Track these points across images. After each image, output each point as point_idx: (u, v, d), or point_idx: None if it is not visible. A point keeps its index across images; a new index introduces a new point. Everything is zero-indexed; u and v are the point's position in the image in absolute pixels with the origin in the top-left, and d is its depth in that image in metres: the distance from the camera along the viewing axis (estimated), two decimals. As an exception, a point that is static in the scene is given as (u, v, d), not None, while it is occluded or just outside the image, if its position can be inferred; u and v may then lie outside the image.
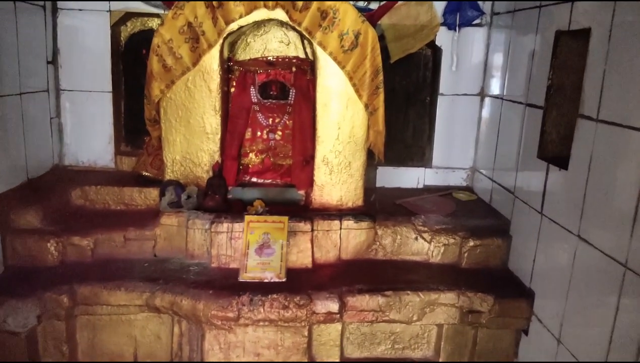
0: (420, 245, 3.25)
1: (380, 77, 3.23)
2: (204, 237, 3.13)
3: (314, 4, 3.13)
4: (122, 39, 3.82)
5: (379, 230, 3.25)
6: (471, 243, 3.21)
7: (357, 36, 3.18)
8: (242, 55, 3.65)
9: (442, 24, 3.61)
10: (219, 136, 3.38)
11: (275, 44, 3.65)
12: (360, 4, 3.53)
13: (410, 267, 3.21)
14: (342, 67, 3.22)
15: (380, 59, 3.22)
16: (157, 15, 3.69)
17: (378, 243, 3.26)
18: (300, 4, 3.13)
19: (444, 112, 3.80)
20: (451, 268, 3.23)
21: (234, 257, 3.10)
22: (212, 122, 3.35)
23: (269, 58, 3.62)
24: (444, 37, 3.67)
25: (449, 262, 3.25)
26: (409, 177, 3.88)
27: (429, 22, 3.57)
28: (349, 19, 3.16)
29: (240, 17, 3.16)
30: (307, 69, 3.56)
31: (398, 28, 3.58)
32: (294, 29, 3.48)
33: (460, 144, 3.85)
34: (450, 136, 3.84)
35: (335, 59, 3.22)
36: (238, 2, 3.11)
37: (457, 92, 3.77)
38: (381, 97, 3.25)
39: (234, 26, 3.21)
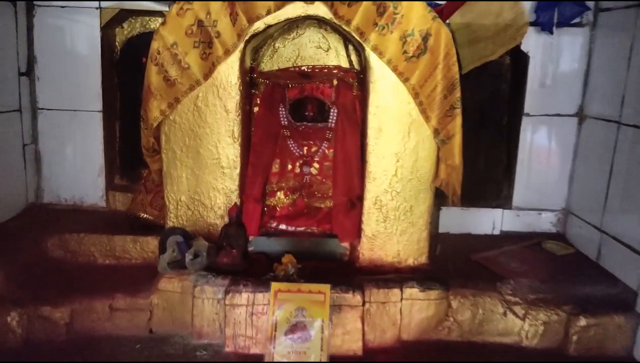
0: (510, 322, 2.38)
1: (457, 93, 2.39)
2: (215, 310, 2.31)
3: (368, -5, 2.32)
4: (117, 43, 3.05)
5: (453, 302, 2.38)
6: (582, 322, 2.32)
7: (425, 38, 2.35)
8: (269, 64, 2.84)
9: (531, 24, 2.76)
10: (237, 171, 2.56)
11: (311, 50, 2.84)
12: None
13: (498, 353, 2.34)
14: (405, 80, 2.39)
15: (457, 68, 2.38)
16: (161, 14, 2.91)
17: (452, 319, 2.39)
18: (349, -6, 2.31)
19: (529, 137, 2.93)
20: (554, 355, 2.35)
21: (256, 339, 2.27)
22: (230, 152, 2.54)
23: (302, 68, 2.82)
24: (532, 41, 2.81)
25: (551, 346, 2.37)
26: (482, 221, 3.01)
27: (514, 20, 2.72)
28: (415, 15, 2.33)
29: (268, 12, 2.35)
30: (352, 82, 2.74)
31: (473, 28, 2.73)
32: (336, 30, 2.68)
33: (550, 179, 2.97)
34: (536, 168, 2.97)
35: (395, 69, 2.39)
36: (266, -7, 2.31)
37: (547, 112, 2.90)
38: (457, 120, 2.40)
39: (259, 25, 2.40)
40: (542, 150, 2.95)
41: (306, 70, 2.82)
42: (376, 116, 2.47)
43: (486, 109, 3.04)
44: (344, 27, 2.37)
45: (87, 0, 2.82)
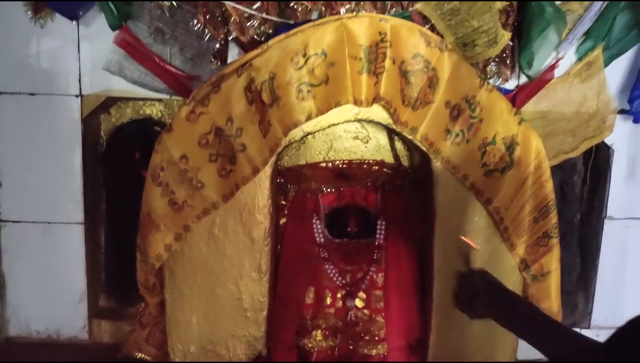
0: None
1: (553, 218, 1.88)
2: None
3: (440, 94, 1.78)
4: (102, 133, 2.44)
5: None
6: None
7: (510, 147, 1.83)
8: (294, 158, 2.27)
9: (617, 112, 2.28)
10: (264, 314, 1.98)
11: (347, 141, 2.29)
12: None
13: None
14: (486, 201, 1.86)
15: (552, 185, 1.88)
16: (159, 99, 2.33)
17: None
18: (414, 93, 1.77)
19: (612, 243, 2.43)
20: None
21: None
22: (255, 290, 1.95)
23: (336, 163, 2.27)
24: (616, 131, 2.30)
25: None
26: (555, 344, 2.48)
27: (599, 110, 2.22)
28: (497, 118, 1.82)
29: (309, 118, 1.77)
30: (402, 184, 2.21)
31: (551, 120, 2.22)
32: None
33: (638, 292, 2.47)
34: (621, 279, 2.46)
35: (472, 187, 1.85)
36: (306, 94, 1.75)
37: (634, 215, 2.42)
38: (555, 253, 1.89)
39: (296, 134, 1.84)
40: (628, 259, 2.45)
41: (341, 166, 2.27)
42: (443, 239, 1.94)
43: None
44: (407, 135, 1.83)
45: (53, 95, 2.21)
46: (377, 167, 2.27)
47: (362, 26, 1.71)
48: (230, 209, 1.89)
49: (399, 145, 2.28)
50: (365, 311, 2.15)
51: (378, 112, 1.83)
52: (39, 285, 2.37)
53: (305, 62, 1.72)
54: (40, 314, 2.39)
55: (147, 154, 1.96)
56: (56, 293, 2.37)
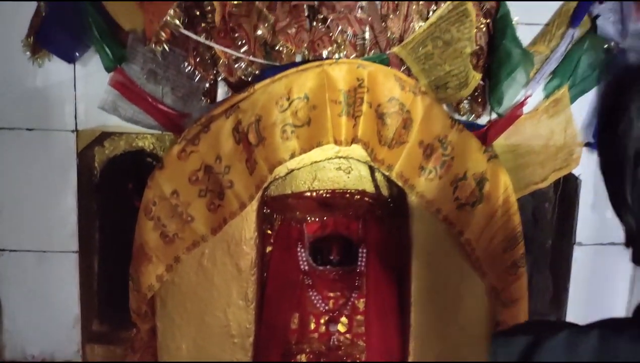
0: None
1: (520, 249, 2.00)
2: None
3: (414, 134, 1.91)
4: (96, 164, 2.54)
5: None
6: None
7: (480, 183, 1.96)
8: (280, 187, 2.40)
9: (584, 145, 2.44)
10: (251, 340, 2.08)
11: (331, 172, 2.41)
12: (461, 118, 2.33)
13: None
14: (458, 233, 1.98)
15: (519, 220, 2.01)
16: (151, 133, 2.45)
17: None
18: (390, 134, 1.91)
19: (582, 268, 2.57)
20: None
21: None
22: (242, 318, 2.06)
23: (320, 193, 2.39)
24: (583, 163, 2.45)
25: None
26: None
27: (566, 144, 2.37)
28: (469, 156, 1.95)
29: (292, 156, 1.91)
30: (382, 214, 2.34)
31: (521, 153, 2.37)
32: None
33: (606, 314, 2.61)
34: (590, 300, 2.59)
35: (445, 219, 1.98)
36: (290, 134, 1.87)
37: (600, 241, 2.56)
38: (523, 282, 2.01)
39: (280, 171, 1.98)
40: (597, 282, 2.59)
41: (325, 195, 2.39)
42: (421, 273, 2.07)
43: (526, 229, 2.67)
44: (384, 172, 1.97)
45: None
46: (358, 197, 2.39)
47: (341, 72, 1.85)
48: (219, 241, 2.00)
49: (379, 176, 2.40)
50: (347, 335, 2.26)
51: (357, 151, 1.96)
52: (35, 311, 2.45)
53: (289, 105, 1.86)
54: (36, 339, 2.47)
55: (139, 185, 2.09)
56: (51, 318, 2.46)
